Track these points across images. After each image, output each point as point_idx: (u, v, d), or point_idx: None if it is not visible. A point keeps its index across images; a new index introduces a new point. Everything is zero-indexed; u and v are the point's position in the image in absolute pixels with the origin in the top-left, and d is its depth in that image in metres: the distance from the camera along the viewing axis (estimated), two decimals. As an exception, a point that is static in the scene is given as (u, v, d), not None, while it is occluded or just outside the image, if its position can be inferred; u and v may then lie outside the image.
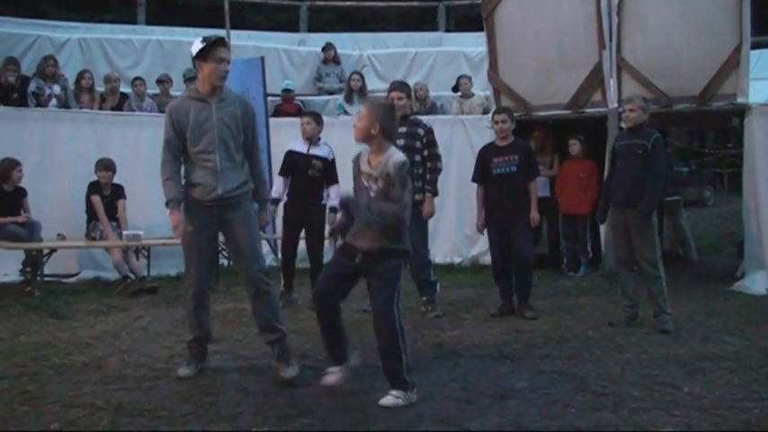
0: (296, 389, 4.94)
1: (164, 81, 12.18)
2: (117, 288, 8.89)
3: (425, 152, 7.60)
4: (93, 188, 9.29)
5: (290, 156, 8.11)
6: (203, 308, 5.32)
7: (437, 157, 7.67)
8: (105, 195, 9.32)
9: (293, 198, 8.09)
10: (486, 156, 7.72)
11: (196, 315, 5.29)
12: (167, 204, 5.11)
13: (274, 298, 5.34)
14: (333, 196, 8.03)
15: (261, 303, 5.22)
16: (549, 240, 11.70)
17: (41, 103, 10.69)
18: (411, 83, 12.92)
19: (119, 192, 9.43)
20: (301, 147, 8.12)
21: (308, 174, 7.97)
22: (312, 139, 8.12)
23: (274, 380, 5.12)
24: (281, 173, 8.20)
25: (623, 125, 9.89)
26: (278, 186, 8.16)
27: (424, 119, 8.37)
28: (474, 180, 7.85)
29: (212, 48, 5.08)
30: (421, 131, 7.62)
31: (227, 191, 5.13)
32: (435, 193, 7.69)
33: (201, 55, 5.08)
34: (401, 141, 7.60)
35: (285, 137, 9.49)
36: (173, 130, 5.10)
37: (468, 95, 12.32)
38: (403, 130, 7.62)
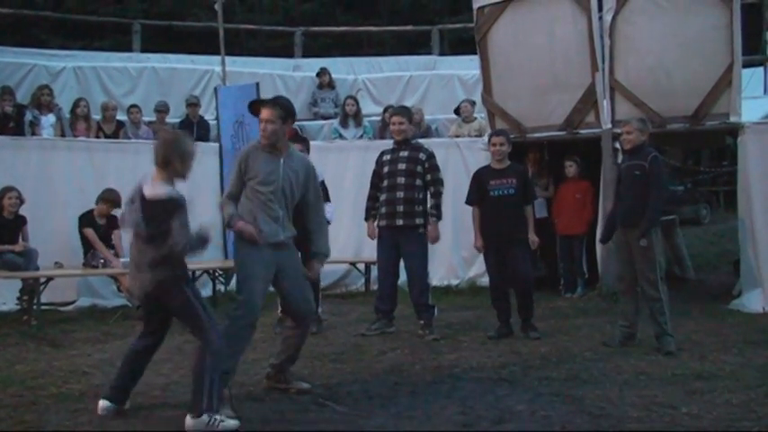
0: (294, 415, 4.93)
1: (162, 111, 12.19)
2: (114, 316, 8.87)
3: (428, 177, 7.69)
4: (84, 221, 9.32)
5: None
6: (250, 340, 5.40)
7: (440, 182, 7.77)
8: (100, 225, 9.34)
9: None
10: (482, 178, 7.75)
11: (244, 348, 5.30)
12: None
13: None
14: (328, 211, 8.09)
15: (300, 338, 5.53)
16: (545, 261, 11.71)
17: (37, 133, 10.72)
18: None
19: (113, 222, 9.45)
20: None
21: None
22: None
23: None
24: None
25: (617, 146, 10.05)
26: None
27: (424, 143, 8.41)
28: (469, 202, 7.87)
29: (254, 108, 5.44)
30: (422, 156, 7.70)
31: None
32: (439, 218, 7.74)
33: (252, 112, 5.47)
34: (402, 165, 7.66)
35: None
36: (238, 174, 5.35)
37: (469, 120, 12.34)
38: (404, 154, 7.71)
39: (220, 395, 4.65)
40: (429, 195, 7.76)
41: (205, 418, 4.49)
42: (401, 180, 7.65)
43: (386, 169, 7.78)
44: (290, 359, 5.57)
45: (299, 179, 5.45)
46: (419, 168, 7.68)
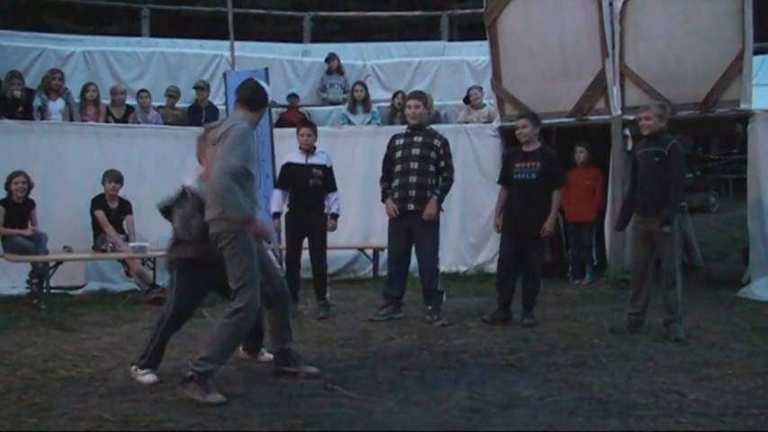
0: (302, 399, 4.94)
1: (172, 96, 12.22)
2: (123, 300, 8.90)
3: (441, 163, 7.69)
4: (97, 203, 9.34)
5: (289, 168, 8.14)
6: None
7: (451, 169, 7.77)
8: (111, 209, 9.37)
9: (295, 209, 8.10)
10: (510, 159, 7.75)
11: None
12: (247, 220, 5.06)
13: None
14: (332, 201, 8.12)
15: (285, 315, 5.58)
16: (551, 248, 11.69)
17: (46, 118, 10.75)
18: (414, 92, 13.02)
19: (126, 207, 9.48)
20: (299, 158, 8.15)
21: (310, 183, 7.99)
22: (310, 150, 8.15)
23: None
24: (280, 185, 8.22)
25: (627, 133, 10.02)
26: (278, 199, 8.17)
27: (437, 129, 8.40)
28: (498, 182, 7.90)
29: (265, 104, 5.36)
30: (437, 142, 7.71)
31: None
32: (441, 200, 7.72)
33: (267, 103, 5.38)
34: (417, 151, 7.64)
35: (290, 147, 9.47)
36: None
37: (478, 106, 12.31)
38: (419, 139, 7.69)
39: (149, 353, 5.41)
40: (440, 180, 7.75)
41: (132, 368, 5.39)
42: (415, 165, 7.63)
43: (398, 154, 7.75)
44: (286, 339, 5.52)
45: None
46: (433, 155, 7.66)
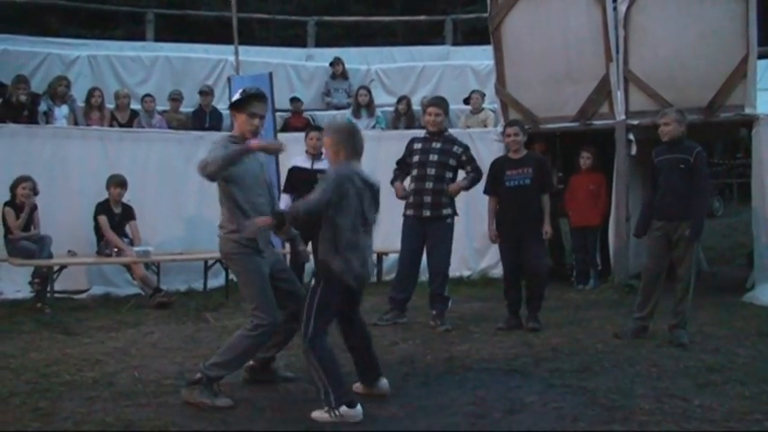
0: (305, 404, 4.94)
1: (176, 99, 12.24)
2: (127, 304, 8.91)
3: (468, 168, 7.75)
4: (101, 209, 9.36)
5: (295, 172, 8.17)
6: None
7: (480, 171, 7.81)
8: (115, 214, 9.40)
9: None
10: (499, 168, 7.73)
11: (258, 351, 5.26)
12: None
13: None
14: None
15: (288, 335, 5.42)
16: (552, 253, 11.69)
17: (51, 123, 10.78)
18: (418, 97, 13.06)
19: (129, 212, 9.49)
20: (305, 162, 8.20)
21: (314, 188, 7.98)
22: (317, 154, 8.19)
23: None
24: (287, 190, 8.25)
25: (631, 137, 10.01)
26: (286, 203, 8.18)
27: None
28: (486, 192, 7.86)
29: (246, 102, 5.13)
30: (457, 149, 7.74)
31: None
32: (468, 186, 7.78)
33: (236, 106, 5.14)
34: (435, 157, 7.64)
35: (295, 152, 9.49)
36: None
37: (477, 110, 12.32)
38: (437, 145, 7.69)
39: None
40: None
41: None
42: (431, 171, 7.62)
43: (415, 158, 7.74)
44: (276, 351, 5.49)
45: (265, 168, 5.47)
46: (452, 161, 7.66)
